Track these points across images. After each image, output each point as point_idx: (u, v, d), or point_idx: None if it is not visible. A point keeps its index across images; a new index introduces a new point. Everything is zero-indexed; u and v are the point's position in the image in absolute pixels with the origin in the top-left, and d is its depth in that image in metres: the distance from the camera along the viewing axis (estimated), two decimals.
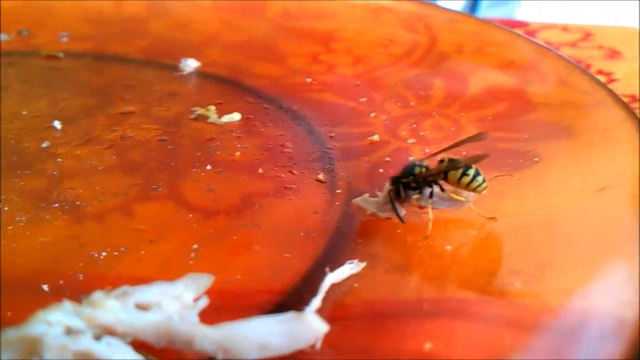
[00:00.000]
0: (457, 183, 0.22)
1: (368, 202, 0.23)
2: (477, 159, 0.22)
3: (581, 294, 0.17)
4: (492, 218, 0.22)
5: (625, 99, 0.36)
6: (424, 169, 0.23)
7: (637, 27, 0.47)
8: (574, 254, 0.19)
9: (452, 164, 0.22)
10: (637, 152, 0.21)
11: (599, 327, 0.16)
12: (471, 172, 0.22)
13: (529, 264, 0.19)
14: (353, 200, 0.23)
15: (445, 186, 0.23)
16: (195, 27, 0.41)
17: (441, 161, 0.23)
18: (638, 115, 0.35)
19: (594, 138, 0.24)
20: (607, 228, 0.19)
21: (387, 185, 0.23)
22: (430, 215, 0.22)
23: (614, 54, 0.42)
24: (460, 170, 0.22)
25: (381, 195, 0.23)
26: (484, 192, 0.22)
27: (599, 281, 0.17)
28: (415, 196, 0.23)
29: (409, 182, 0.23)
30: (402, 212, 0.23)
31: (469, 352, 0.17)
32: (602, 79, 0.38)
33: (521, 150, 0.26)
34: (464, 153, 0.24)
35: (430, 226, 0.22)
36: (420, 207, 0.23)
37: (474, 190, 0.22)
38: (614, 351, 0.15)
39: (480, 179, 0.22)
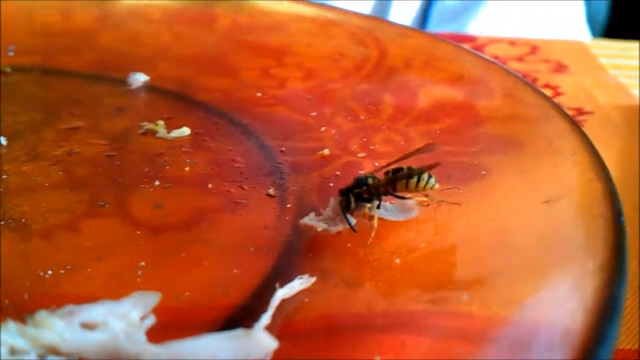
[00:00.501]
0: (406, 188, 0.23)
1: (316, 220, 0.23)
2: (429, 167, 0.22)
3: (528, 305, 0.18)
4: (456, 204, 0.23)
5: (570, 112, 0.37)
6: (374, 180, 0.23)
7: (583, 40, 0.48)
8: (521, 265, 0.19)
9: (398, 173, 0.22)
10: (582, 164, 0.22)
11: (546, 337, 0.16)
12: (415, 174, 0.22)
13: (477, 275, 0.20)
14: (301, 221, 0.23)
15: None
16: (146, 40, 0.40)
17: (386, 173, 0.23)
18: (584, 128, 0.36)
19: (540, 150, 0.25)
20: (554, 239, 0.20)
21: (334, 199, 0.23)
22: (375, 224, 0.22)
23: (560, 68, 0.43)
24: (407, 175, 0.22)
25: (329, 210, 0.23)
26: (437, 186, 0.22)
27: (546, 292, 0.18)
28: (367, 206, 0.23)
29: (361, 193, 0.23)
30: (353, 221, 0.23)
31: None
32: (549, 92, 0.39)
33: (469, 164, 0.26)
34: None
35: (372, 234, 0.22)
36: (370, 218, 0.23)
37: (424, 189, 0.22)
38: None
39: (425, 176, 0.22)
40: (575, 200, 0.20)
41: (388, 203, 0.24)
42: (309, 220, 0.23)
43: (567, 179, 0.22)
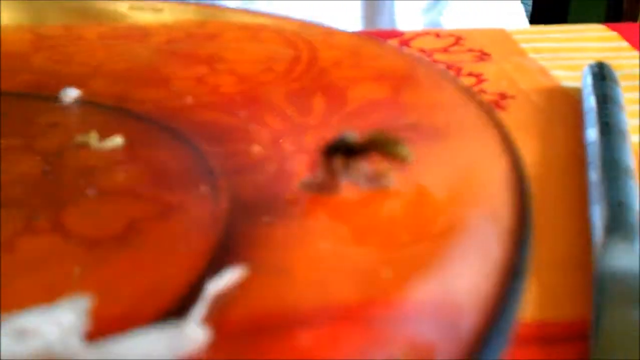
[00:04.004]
0: (377, 150, 0.23)
1: (310, 182, 0.24)
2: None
3: (439, 273, 0.18)
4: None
5: (493, 98, 0.38)
6: (351, 138, 0.23)
7: (504, 28, 0.49)
8: (433, 237, 0.20)
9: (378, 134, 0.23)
10: (491, 139, 0.22)
11: (456, 304, 0.17)
12: (391, 139, 0.23)
13: (396, 251, 0.20)
14: (299, 184, 0.24)
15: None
16: (79, 58, 0.40)
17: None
18: (506, 112, 0.37)
19: (452, 132, 0.25)
20: (462, 209, 0.20)
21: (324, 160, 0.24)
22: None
23: (483, 56, 0.44)
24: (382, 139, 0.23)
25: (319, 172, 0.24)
26: (409, 159, 0.23)
27: (456, 260, 0.18)
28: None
29: (337, 149, 0.23)
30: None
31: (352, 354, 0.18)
32: (472, 80, 0.40)
33: None
34: None
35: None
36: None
37: (395, 157, 0.23)
38: (470, 328, 0.16)
39: (400, 146, 0.23)
40: (486, 171, 0.21)
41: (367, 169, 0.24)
42: (305, 183, 0.24)
43: (478, 153, 0.22)
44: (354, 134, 0.24)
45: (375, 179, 0.23)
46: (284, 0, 0.61)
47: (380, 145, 0.23)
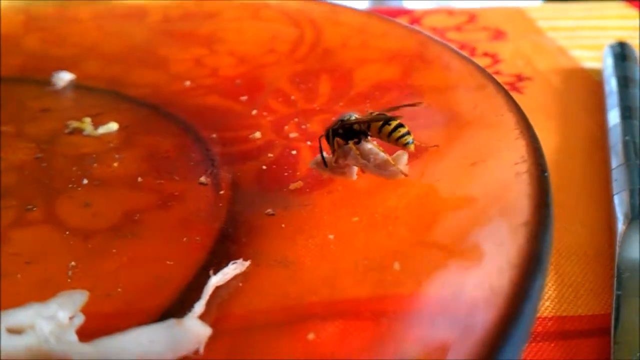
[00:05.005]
0: (379, 133, 0.23)
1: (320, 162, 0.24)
2: (406, 105, 0.23)
3: (455, 267, 0.18)
4: (435, 146, 0.24)
5: (510, 79, 0.38)
6: (353, 118, 0.23)
7: (520, 6, 0.49)
8: (448, 228, 0.20)
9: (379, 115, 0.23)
10: (506, 124, 0.22)
11: (472, 298, 0.17)
12: (394, 123, 0.23)
13: (407, 242, 0.20)
14: (310, 164, 0.24)
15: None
16: (73, 39, 0.40)
17: (370, 113, 0.24)
18: (523, 95, 0.37)
19: (468, 116, 0.25)
20: (480, 200, 0.20)
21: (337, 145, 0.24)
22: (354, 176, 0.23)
23: (498, 35, 0.44)
24: (383, 121, 0.23)
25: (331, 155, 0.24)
26: (411, 147, 0.23)
27: (472, 252, 0.18)
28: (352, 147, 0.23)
29: (337, 130, 0.23)
30: (353, 171, 0.24)
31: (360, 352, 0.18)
32: (487, 60, 0.40)
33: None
34: None
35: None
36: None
37: (397, 142, 0.23)
38: (486, 325, 0.16)
39: (403, 130, 0.23)
40: (501, 159, 0.21)
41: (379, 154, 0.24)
42: (316, 162, 0.24)
43: (493, 140, 0.22)
44: (353, 114, 0.24)
45: (384, 167, 0.23)
46: None
47: (380, 130, 0.23)
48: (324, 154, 0.24)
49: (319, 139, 0.24)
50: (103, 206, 0.25)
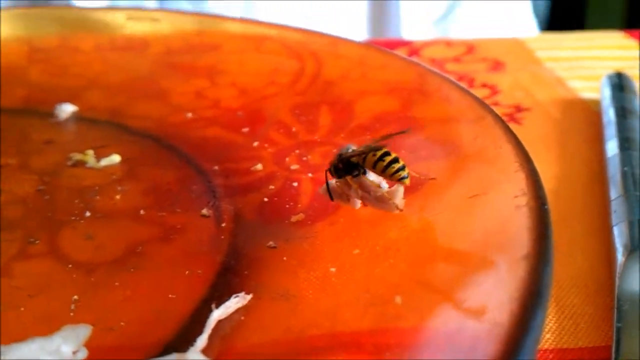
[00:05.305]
0: (373, 168, 0.23)
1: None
2: (396, 134, 0.24)
3: (456, 300, 0.18)
4: (432, 178, 0.24)
5: (508, 110, 0.38)
6: (350, 150, 0.24)
7: (519, 37, 0.50)
8: (448, 261, 0.20)
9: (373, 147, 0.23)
10: (506, 156, 0.22)
11: (473, 331, 0.17)
12: (387, 158, 0.23)
13: (407, 276, 0.20)
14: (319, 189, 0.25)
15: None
16: (75, 70, 0.40)
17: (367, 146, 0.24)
18: (522, 125, 0.37)
19: (467, 148, 0.25)
20: (479, 233, 0.20)
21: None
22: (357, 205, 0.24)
23: (497, 66, 0.44)
24: (378, 155, 0.23)
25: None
26: (406, 181, 0.23)
27: (472, 286, 0.18)
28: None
29: (338, 165, 0.24)
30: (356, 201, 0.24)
31: None
32: (486, 91, 0.40)
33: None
34: None
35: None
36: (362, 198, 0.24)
37: (391, 177, 0.23)
38: (490, 354, 0.16)
39: (397, 165, 0.23)
40: (501, 192, 0.21)
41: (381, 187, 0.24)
42: (324, 189, 0.25)
43: (492, 173, 0.22)
44: (351, 146, 0.24)
45: (385, 200, 0.23)
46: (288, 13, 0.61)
47: (375, 165, 0.23)
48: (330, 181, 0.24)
49: (326, 172, 0.24)
50: (106, 239, 0.25)
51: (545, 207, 0.19)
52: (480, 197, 0.22)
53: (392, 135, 0.25)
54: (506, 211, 0.20)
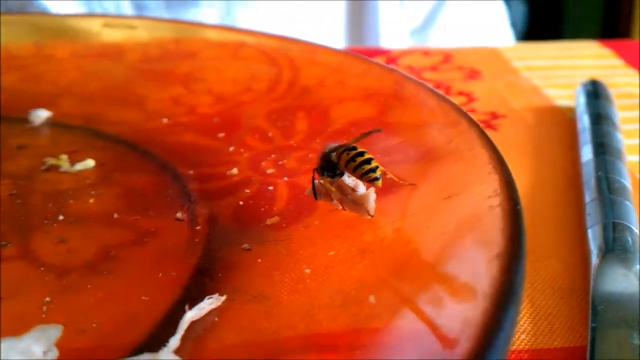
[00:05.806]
0: (345, 167, 0.23)
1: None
2: (368, 133, 0.24)
3: (429, 300, 0.18)
4: (411, 184, 0.24)
5: (484, 117, 0.39)
6: (327, 150, 0.24)
7: (496, 46, 0.50)
8: (422, 261, 0.20)
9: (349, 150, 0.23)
10: (480, 158, 0.23)
11: (446, 330, 0.17)
12: (359, 158, 0.23)
13: (381, 277, 0.20)
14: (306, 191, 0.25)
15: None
16: (51, 77, 0.40)
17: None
18: (497, 132, 0.37)
19: (442, 152, 0.26)
20: (453, 233, 0.21)
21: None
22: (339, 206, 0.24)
23: (473, 74, 0.45)
24: (351, 155, 0.23)
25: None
26: (378, 183, 0.23)
27: (445, 285, 0.18)
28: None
29: (322, 164, 0.24)
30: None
31: None
32: (463, 99, 0.41)
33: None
34: None
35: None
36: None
37: (362, 177, 0.23)
38: (461, 356, 0.16)
39: (368, 167, 0.23)
40: (474, 193, 0.21)
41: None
42: (310, 191, 0.25)
43: (466, 174, 0.23)
44: (331, 145, 0.24)
45: (359, 204, 0.23)
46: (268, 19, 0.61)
47: (347, 165, 0.23)
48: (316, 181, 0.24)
49: (313, 171, 0.25)
50: (79, 242, 0.25)
51: (518, 207, 0.20)
52: (454, 198, 0.22)
53: (366, 135, 0.25)
54: (480, 211, 0.20)
